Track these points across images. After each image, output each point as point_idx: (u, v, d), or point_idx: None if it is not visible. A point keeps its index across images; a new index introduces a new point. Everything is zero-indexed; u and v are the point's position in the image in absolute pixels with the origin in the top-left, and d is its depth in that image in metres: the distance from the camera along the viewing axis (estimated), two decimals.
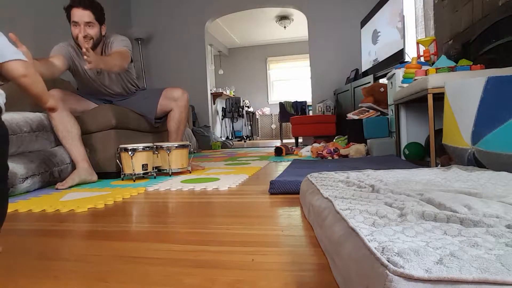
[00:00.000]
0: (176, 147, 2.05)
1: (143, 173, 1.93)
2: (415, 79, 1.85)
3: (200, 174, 2.05)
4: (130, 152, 1.86)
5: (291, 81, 8.63)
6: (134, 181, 1.89)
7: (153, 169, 1.99)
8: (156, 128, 2.49)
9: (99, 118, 2.03)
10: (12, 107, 2.07)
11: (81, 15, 1.88)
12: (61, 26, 3.74)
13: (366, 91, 3.15)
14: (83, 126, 2.01)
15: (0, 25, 3.01)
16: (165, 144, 2.04)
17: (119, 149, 1.94)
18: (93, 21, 1.92)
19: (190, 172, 2.15)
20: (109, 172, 2.06)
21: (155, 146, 2.02)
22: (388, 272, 0.37)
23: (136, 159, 1.89)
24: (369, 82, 3.48)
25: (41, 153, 1.83)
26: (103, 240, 0.87)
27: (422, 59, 2.26)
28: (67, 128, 1.89)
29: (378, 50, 3.53)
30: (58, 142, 1.99)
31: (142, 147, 1.91)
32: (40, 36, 3.47)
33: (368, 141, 2.72)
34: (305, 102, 5.75)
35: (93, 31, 1.94)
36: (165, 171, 2.06)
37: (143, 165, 1.93)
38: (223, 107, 7.29)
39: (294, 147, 3.75)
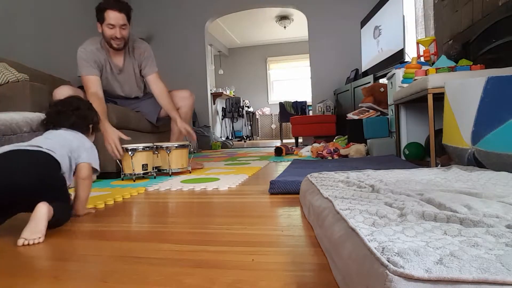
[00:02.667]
0: (176, 147, 2.05)
1: (143, 173, 1.93)
2: (415, 79, 1.85)
3: (200, 174, 2.05)
4: (130, 152, 1.86)
5: (291, 81, 8.63)
6: (134, 181, 1.89)
7: (153, 169, 1.99)
8: (156, 128, 2.50)
9: None
10: (12, 107, 2.07)
11: (117, 17, 1.96)
12: (62, 25, 3.74)
13: (366, 91, 3.15)
14: None
15: (1, 25, 3.01)
16: (165, 144, 2.04)
17: None
18: (126, 23, 2.02)
19: (190, 172, 2.15)
20: (109, 172, 2.06)
21: (155, 146, 2.02)
22: (388, 272, 0.37)
23: (136, 159, 1.89)
24: (369, 82, 3.48)
25: None
26: (103, 240, 0.87)
27: (422, 59, 2.26)
28: None
29: (379, 49, 3.53)
30: None
31: (142, 147, 1.91)
32: (40, 38, 3.47)
33: (368, 141, 2.72)
34: (305, 102, 5.75)
35: (126, 32, 2.04)
36: (165, 171, 2.06)
37: (143, 165, 1.93)
38: (223, 107, 7.29)
39: (294, 147, 3.75)
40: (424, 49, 2.28)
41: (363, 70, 4.07)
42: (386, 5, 3.27)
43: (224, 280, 0.60)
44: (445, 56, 2.08)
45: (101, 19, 1.98)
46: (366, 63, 3.95)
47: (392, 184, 0.93)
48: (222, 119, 7.40)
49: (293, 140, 6.01)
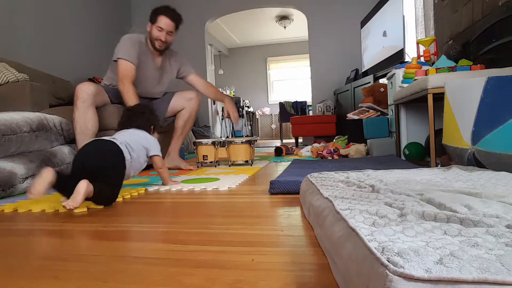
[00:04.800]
0: (235, 142, 2.37)
1: (202, 162, 2.40)
2: (415, 79, 1.85)
3: (200, 174, 2.05)
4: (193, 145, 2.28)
5: (291, 81, 8.63)
6: (197, 168, 2.44)
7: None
8: (160, 128, 2.51)
9: (102, 118, 2.05)
10: (12, 107, 2.07)
11: (168, 24, 2.16)
12: (62, 25, 3.74)
13: (366, 91, 3.15)
14: None
15: (1, 25, 3.01)
16: (226, 140, 2.41)
17: None
18: (173, 31, 2.22)
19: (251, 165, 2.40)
20: None
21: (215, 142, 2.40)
22: (388, 272, 0.37)
23: (200, 151, 2.34)
24: (369, 82, 3.48)
25: (41, 153, 1.83)
26: (103, 240, 0.87)
27: (422, 59, 2.26)
28: (87, 125, 1.93)
29: (380, 49, 3.53)
30: (58, 142, 1.99)
31: (204, 142, 2.35)
32: (40, 38, 3.47)
33: (368, 141, 2.72)
34: (305, 102, 5.75)
35: (170, 38, 2.23)
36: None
37: (203, 155, 2.37)
38: (223, 107, 7.28)
39: (294, 147, 3.75)
40: (424, 49, 2.28)
41: (363, 70, 4.07)
42: (386, 5, 3.27)
43: (224, 280, 0.60)
44: (445, 56, 2.07)
45: (153, 20, 2.15)
46: (367, 63, 3.95)
47: (392, 184, 0.93)
48: (222, 119, 7.39)
49: (293, 140, 6.01)
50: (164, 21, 2.14)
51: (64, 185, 1.23)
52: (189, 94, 2.43)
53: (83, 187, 1.15)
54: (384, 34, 3.36)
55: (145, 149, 1.52)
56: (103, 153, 1.33)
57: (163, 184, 1.66)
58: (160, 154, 1.59)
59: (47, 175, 1.17)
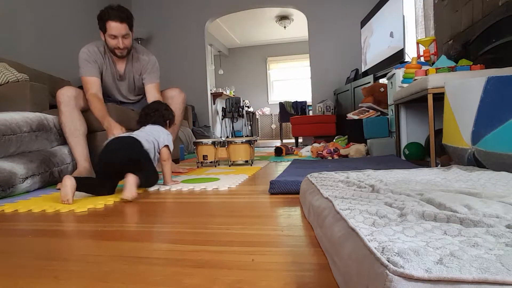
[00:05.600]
0: (235, 142, 2.37)
1: (201, 162, 2.42)
2: (415, 79, 1.85)
3: (200, 174, 2.05)
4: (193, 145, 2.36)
5: (291, 81, 8.63)
6: (197, 167, 2.34)
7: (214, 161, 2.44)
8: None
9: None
10: (12, 107, 2.07)
11: (119, 28, 1.94)
12: (62, 25, 3.74)
13: (366, 91, 3.15)
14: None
15: (1, 25, 3.01)
16: (225, 140, 2.43)
17: None
18: (129, 32, 1.99)
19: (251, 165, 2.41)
20: None
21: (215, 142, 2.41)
22: (388, 272, 0.37)
23: (200, 151, 2.37)
24: (369, 82, 3.48)
25: (41, 153, 1.83)
26: (103, 240, 0.87)
27: (422, 59, 2.26)
28: (75, 126, 1.91)
29: (380, 49, 3.53)
30: (58, 142, 1.99)
31: (204, 142, 2.36)
32: (40, 38, 3.47)
33: (368, 141, 2.72)
34: (305, 102, 5.75)
35: (128, 41, 2.02)
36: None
37: (203, 155, 2.41)
38: (223, 107, 7.28)
39: (294, 147, 3.75)
40: (424, 49, 2.28)
41: (363, 70, 4.07)
42: (386, 5, 3.27)
43: (224, 280, 0.60)
44: (445, 56, 2.08)
45: (103, 28, 1.96)
46: (369, 63, 3.94)
47: (392, 184, 0.93)
48: (222, 119, 7.39)
49: (293, 140, 6.01)
50: (114, 26, 1.92)
51: (89, 186, 1.44)
52: (170, 92, 2.28)
53: (133, 180, 1.34)
54: (391, 34, 3.35)
55: (157, 141, 1.64)
56: (127, 147, 1.50)
57: (164, 183, 1.68)
58: (171, 146, 1.71)
59: (69, 182, 1.31)
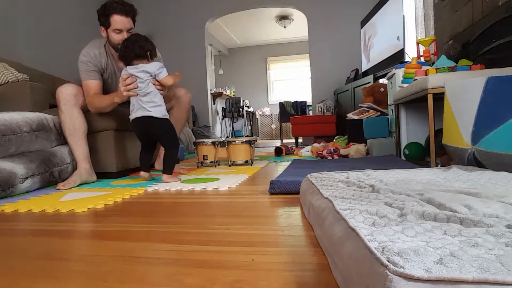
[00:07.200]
0: (235, 142, 2.40)
1: (201, 162, 2.45)
2: (415, 79, 1.85)
3: (200, 174, 2.05)
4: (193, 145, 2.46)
5: (291, 81, 8.63)
6: (197, 167, 2.36)
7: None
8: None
9: (101, 119, 2.04)
10: (12, 107, 2.07)
11: (124, 22, 1.91)
12: (62, 25, 3.74)
13: (366, 91, 3.15)
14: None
15: (1, 25, 3.01)
16: (226, 140, 2.44)
17: None
18: (133, 26, 1.98)
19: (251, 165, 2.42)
20: (109, 172, 2.06)
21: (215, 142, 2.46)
22: (388, 272, 0.37)
23: (200, 151, 2.42)
24: (369, 82, 3.48)
25: (41, 153, 1.83)
26: (103, 240, 0.87)
27: (422, 59, 2.26)
28: (75, 125, 1.90)
29: (379, 49, 3.53)
30: (58, 142, 1.99)
31: (204, 141, 2.41)
32: (40, 38, 3.47)
33: (368, 141, 2.72)
34: (305, 102, 5.75)
35: None
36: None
37: (203, 155, 2.46)
38: (223, 107, 7.28)
39: (294, 147, 3.75)
40: (424, 49, 2.28)
41: (366, 68, 4.06)
42: (386, 5, 3.27)
43: (224, 280, 0.60)
44: (445, 56, 2.08)
45: (106, 23, 1.90)
46: (367, 63, 3.94)
47: (392, 184, 0.93)
48: (222, 119, 7.39)
49: (293, 140, 6.01)
50: (119, 21, 1.88)
51: (148, 162, 1.89)
52: (178, 91, 2.26)
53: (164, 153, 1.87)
54: (384, 34, 3.36)
55: (151, 77, 1.75)
56: (146, 127, 1.77)
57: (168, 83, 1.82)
58: (166, 73, 1.79)
59: (146, 175, 1.87)
